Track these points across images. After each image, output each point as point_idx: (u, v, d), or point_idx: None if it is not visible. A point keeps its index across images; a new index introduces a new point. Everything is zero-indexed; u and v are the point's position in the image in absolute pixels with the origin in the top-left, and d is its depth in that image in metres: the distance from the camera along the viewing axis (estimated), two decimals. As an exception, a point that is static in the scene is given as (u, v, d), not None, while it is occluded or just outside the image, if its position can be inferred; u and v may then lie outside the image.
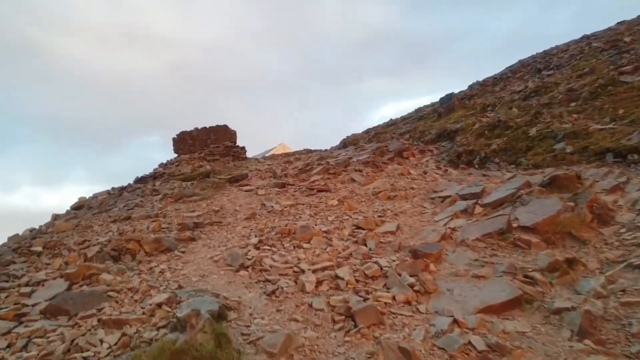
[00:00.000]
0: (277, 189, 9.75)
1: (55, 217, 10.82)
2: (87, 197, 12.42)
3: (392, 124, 21.78)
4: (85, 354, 3.62)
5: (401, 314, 4.26)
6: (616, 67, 12.64)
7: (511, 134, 11.08)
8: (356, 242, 6.18)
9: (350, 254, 5.67)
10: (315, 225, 6.87)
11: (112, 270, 5.53)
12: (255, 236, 6.58)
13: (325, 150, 18.03)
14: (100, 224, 8.63)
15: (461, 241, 5.98)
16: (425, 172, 10.20)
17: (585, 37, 19.34)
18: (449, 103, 17.46)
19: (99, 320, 4.11)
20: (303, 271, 5.15)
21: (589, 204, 6.08)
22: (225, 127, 17.41)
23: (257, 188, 9.98)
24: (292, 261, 5.52)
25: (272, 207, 8.22)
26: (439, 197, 8.24)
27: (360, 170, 10.39)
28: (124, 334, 3.81)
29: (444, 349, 3.70)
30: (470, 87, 21.96)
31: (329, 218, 7.34)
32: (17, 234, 9.11)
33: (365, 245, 6.05)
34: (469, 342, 3.72)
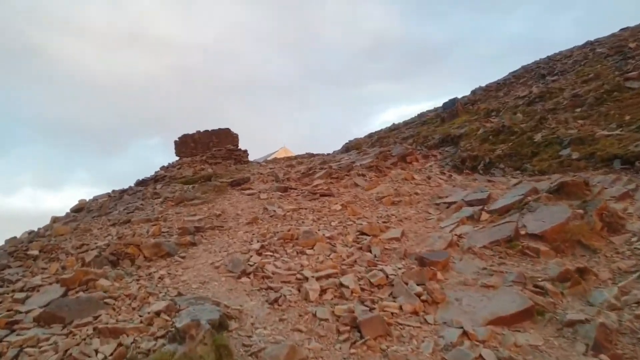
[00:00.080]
0: (280, 193, 9.61)
1: (54, 219, 10.64)
2: (88, 200, 12.29)
3: (394, 128, 21.68)
4: (79, 365, 3.46)
5: (409, 325, 4.11)
6: (621, 72, 12.53)
7: (516, 140, 10.95)
8: (360, 248, 6.01)
9: (355, 261, 5.51)
10: (319, 230, 6.72)
11: (110, 276, 5.36)
12: (258, 241, 6.43)
13: (328, 154, 17.90)
14: (99, 228, 8.48)
15: (468, 248, 5.84)
16: (429, 177, 10.06)
17: (589, 43, 19.26)
18: (452, 108, 17.36)
19: (94, 329, 3.93)
20: (306, 278, 4.99)
21: (599, 211, 5.93)
22: (227, 130, 17.38)
23: (259, 192, 9.83)
24: (295, 268, 5.36)
25: (275, 211, 8.08)
26: (444, 202, 8.09)
27: (363, 175, 10.24)
28: (120, 344, 3.64)
29: (454, 363, 3.55)
30: (474, 92, 21.85)
31: (333, 223, 7.19)
32: (15, 237, 8.91)
33: (370, 251, 5.89)
34: (480, 356, 3.56)
